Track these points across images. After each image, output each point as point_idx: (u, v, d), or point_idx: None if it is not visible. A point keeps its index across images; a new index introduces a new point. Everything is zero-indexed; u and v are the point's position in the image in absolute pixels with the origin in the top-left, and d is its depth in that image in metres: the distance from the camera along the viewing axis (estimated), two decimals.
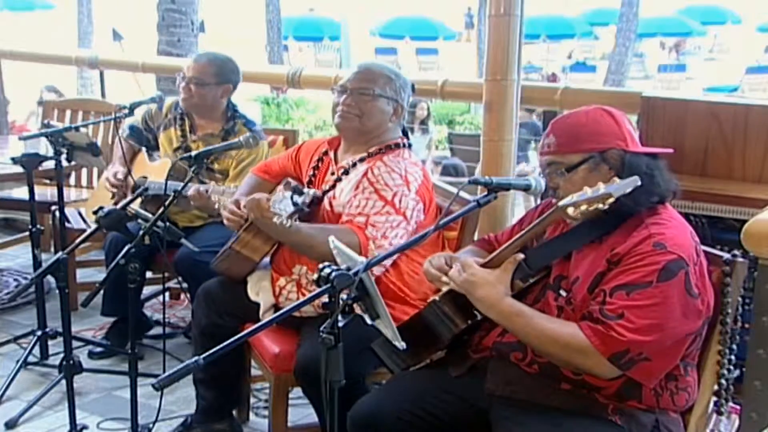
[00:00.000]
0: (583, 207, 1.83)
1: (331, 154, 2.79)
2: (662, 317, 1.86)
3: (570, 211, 1.85)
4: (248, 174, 3.07)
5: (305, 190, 2.38)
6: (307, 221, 2.58)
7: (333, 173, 2.73)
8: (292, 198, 2.34)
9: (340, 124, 2.70)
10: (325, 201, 2.69)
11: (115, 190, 3.63)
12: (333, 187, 2.70)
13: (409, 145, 2.76)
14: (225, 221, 2.77)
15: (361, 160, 2.69)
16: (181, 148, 3.55)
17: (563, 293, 2.02)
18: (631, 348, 1.85)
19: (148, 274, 3.85)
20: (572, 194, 1.87)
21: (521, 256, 2.06)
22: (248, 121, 3.60)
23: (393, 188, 2.56)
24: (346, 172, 2.69)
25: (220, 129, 3.54)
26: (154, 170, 3.60)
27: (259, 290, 2.72)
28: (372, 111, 2.67)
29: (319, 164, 2.81)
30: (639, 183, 1.86)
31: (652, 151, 2.08)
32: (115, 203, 3.62)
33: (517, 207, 3.78)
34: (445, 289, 2.13)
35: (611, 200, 1.81)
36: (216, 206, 2.91)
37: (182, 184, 2.73)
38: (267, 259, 2.80)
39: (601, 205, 1.82)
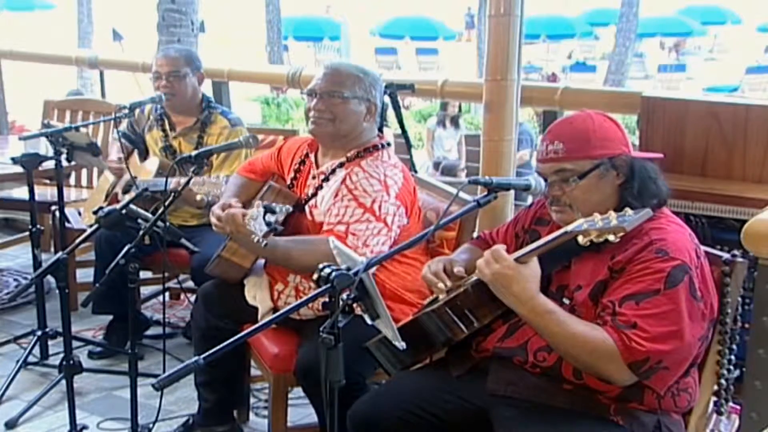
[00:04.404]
0: (594, 236, 1.82)
1: (312, 156, 2.76)
2: (675, 323, 1.85)
3: (579, 239, 1.84)
4: (233, 174, 3.01)
5: (277, 208, 2.29)
6: (290, 232, 2.55)
7: (314, 177, 2.71)
8: (264, 217, 2.28)
9: (314, 130, 2.66)
10: (307, 210, 2.67)
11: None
12: (314, 194, 2.67)
13: (388, 144, 2.71)
14: (213, 227, 2.76)
15: (340, 165, 2.65)
16: (165, 147, 3.63)
17: (567, 302, 2.01)
18: (651, 357, 1.84)
19: (148, 274, 3.85)
20: (582, 220, 1.86)
21: None
22: (224, 110, 3.68)
23: (372, 194, 2.52)
24: (326, 179, 2.65)
25: (195, 120, 3.61)
26: (143, 170, 3.60)
27: (256, 294, 2.71)
28: (345, 114, 2.61)
29: (301, 167, 2.78)
30: (651, 214, 1.87)
31: (648, 156, 2.09)
32: (109, 203, 3.62)
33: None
34: (442, 296, 2.10)
35: (622, 234, 1.80)
36: (199, 197, 2.87)
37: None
38: (261, 261, 2.77)
39: (612, 237, 1.80)
